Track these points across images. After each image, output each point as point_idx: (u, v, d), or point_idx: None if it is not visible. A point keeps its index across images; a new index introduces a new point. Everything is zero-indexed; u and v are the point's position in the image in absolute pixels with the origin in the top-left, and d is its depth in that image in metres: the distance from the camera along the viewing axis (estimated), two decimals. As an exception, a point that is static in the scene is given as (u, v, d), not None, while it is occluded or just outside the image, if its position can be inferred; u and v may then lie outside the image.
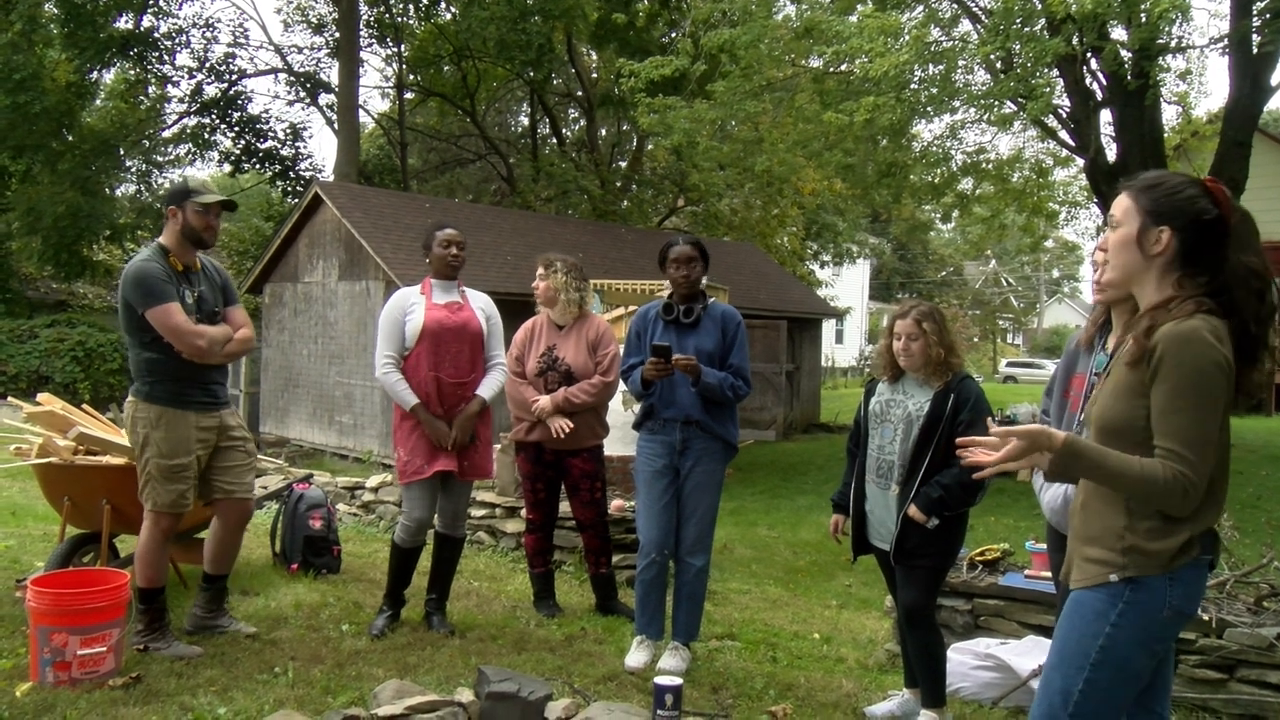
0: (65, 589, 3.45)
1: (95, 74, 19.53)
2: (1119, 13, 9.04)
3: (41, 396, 4.47)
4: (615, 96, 19.21)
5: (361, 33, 21.22)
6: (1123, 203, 2.07)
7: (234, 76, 21.91)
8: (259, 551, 5.63)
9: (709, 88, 13.06)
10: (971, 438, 2.14)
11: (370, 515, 7.24)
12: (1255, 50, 10.98)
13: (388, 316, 4.20)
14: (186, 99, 21.64)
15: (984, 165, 14.18)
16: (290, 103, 24.24)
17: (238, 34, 24.35)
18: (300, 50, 24.97)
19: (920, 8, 11.85)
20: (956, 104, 11.35)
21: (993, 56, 10.46)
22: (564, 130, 26.08)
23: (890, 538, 3.39)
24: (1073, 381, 3.04)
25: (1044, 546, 3.65)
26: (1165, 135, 12.91)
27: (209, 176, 28.10)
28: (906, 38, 10.31)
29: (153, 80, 20.90)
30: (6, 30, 15.99)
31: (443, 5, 21.63)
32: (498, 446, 5.64)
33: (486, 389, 4.27)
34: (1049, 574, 3.75)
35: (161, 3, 19.56)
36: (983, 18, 11.50)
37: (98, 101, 21.49)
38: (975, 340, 43.22)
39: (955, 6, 12.09)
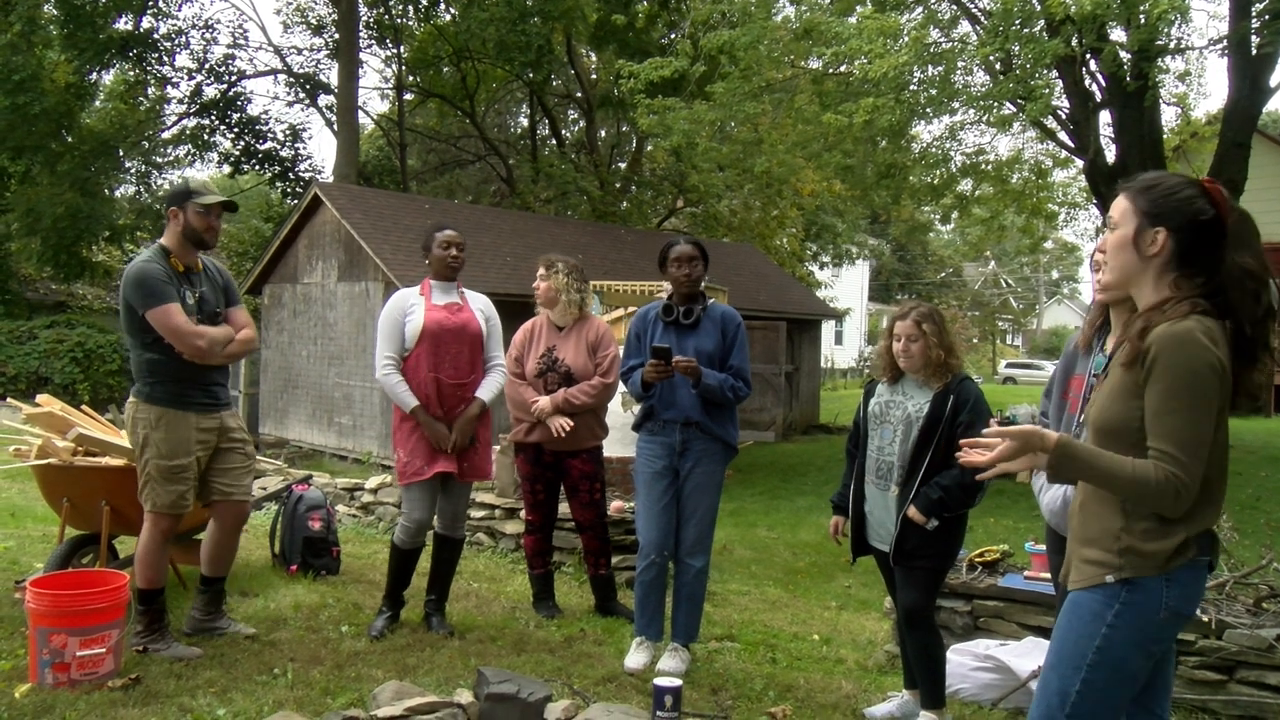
0: (64, 590, 3.45)
1: (95, 75, 19.52)
2: (1118, 14, 9.04)
3: (41, 398, 4.47)
4: (615, 98, 19.22)
5: (361, 34, 21.23)
6: (1120, 204, 2.08)
7: (233, 78, 21.92)
8: (258, 553, 5.63)
9: (708, 89, 13.07)
10: (970, 439, 2.15)
11: (369, 516, 7.24)
12: (1254, 51, 10.99)
13: (387, 318, 4.20)
14: (186, 100, 21.66)
15: (983, 166, 14.20)
16: (290, 104, 24.28)
17: (237, 35, 24.47)
18: (300, 51, 25.00)
19: (919, 9, 11.85)
20: (956, 105, 11.36)
21: (992, 58, 10.46)
22: (563, 131, 26.09)
23: (890, 539, 3.39)
24: (1071, 383, 3.04)
25: (1043, 548, 3.65)
26: (1164, 136, 12.92)
27: (208, 177, 28.08)
28: (906, 39, 10.32)
29: (152, 81, 20.90)
30: (6, 31, 15.98)
31: (442, 6, 21.65)
32: (497, 448, 5.64)
33: (486, 391, 4.27)
34: (1048, 575, 3.75)
35: (161, 4, 19.58)
36: (982, 19, 11.51)
37: (97, 103, 21.49)
38: (974, 341, 43.23)
39: (954, 8, 12.10)
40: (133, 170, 21.41)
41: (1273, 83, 11.48)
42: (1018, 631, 4.13)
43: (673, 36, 18.64)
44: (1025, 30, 9.94)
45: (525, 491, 4.82)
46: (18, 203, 18.12)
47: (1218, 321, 1.96)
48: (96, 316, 19.83)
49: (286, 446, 14.22)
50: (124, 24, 18.81)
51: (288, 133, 22.65)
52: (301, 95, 23.29)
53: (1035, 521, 7.09)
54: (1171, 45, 10.70)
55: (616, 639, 4.30)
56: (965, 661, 3.88)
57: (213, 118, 21.65)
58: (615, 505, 5.64)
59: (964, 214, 15.99)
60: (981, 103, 11.08)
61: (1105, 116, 12.13)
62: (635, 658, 3.93)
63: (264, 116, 22.49)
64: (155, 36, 19.74)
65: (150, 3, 18.96)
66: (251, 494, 4.25)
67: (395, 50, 23.26)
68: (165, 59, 20.29)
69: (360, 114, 22.19)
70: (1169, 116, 13.54)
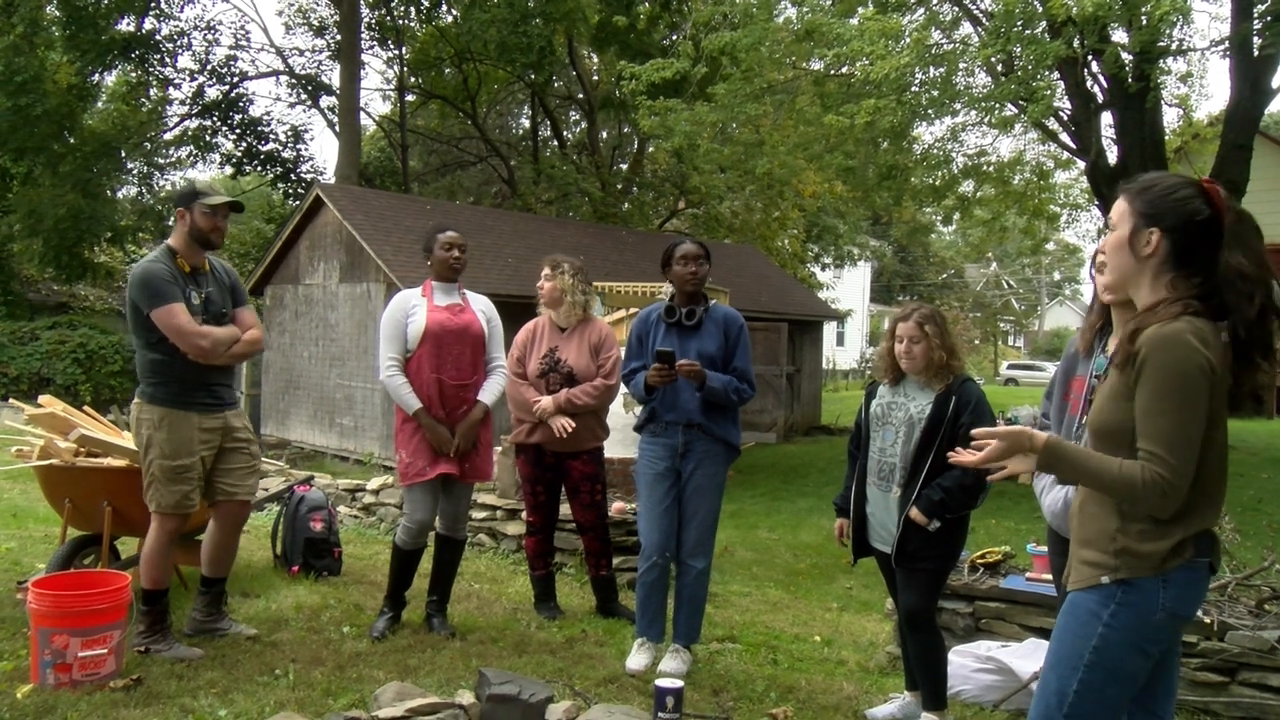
0: (66, 591, 3.45)
1: (97, 76, 19.56)
2: (1120, 15, 9.04)
3: (43, 399, 4.47)
4: (616, 99, 19.22)
5: (363, 35, 21.26)
6: (1119, 205, 2.08)
7: (235, 79, 21.96)
8: (260, 553, 5.63)
9: (710, 90, 13.07)
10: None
11: (371, 517, 7.24)
12: (1256, 53, 10.99)
13: (389, 319, 4.20)
14: (188, 101, 21.71)
15: (985, 168, 14.19)
16: (291, 105, 24.34)
17: (239, 36, 24.50)
18: (301, 53, 25.11)
19: (921, 10, 11.85)
20: (957, 106, 11.36)
21: (994, 59, 10.46)
22: (565, 133, 26.10)
23: (891, 540, 3.38)
24: (1072, 384, 3.03)
25: (1045, 549, 3.65)
26: (1166, 138, 12.92)
27: (210, 178, 28.13)
28: (907, 40, 10.32)
29: (154, 82, 20.94)
30: (8, 33, 16.01)
31: (444, 8, 21.66)
32: (498, 449, 5.64)
33: (488, 394, 4.27)
34: (1050, 577, 3.74)
35: (163, 5, 19.60)
36: (983, 20, 11.51)
37: (99, 104, 21.51)
38: (976, 343, 43.19)
39: (956, 9, 12.10)
40: (134, 171, 21.47)
41: (1274, 84, 11.48)
42: (1019, 633, 4.13)
43: (674, 38, 18.66)
44: (1027, 32, 9.94)
45: (526, 493, 4.82)
46: (20, 204, 18.15)
47: (1211, 323, 1.96)
48: (98, 318, 19.84)
49: (288, 448, 14.23)
50: (126, 25, 18.85)
51: (289, 134, 22.69)
52: (303, 96, 23.33)
53: (1037, 523, 7.09)
54: (1173, 47, 10.70)
55: (618, 640, 4.30)
56: (967, 663, 3.87)
57: (214, 119, 21.68)
58: (616, 506, 5.64)
59: (965, 215, 15.98)
60: (983, 104, 11.08)
61: (1107, 118, 12.14)
62: (637, 659, 3.93)
63: (266, 118, 22.55)
64: (157, 38, 19.76)
65: (152, 4, 18.99)
66: (255, 494, 4.26)
67: (397, 51, 23.29)
68: (167, 60, 20.33)
69: (362, 115, 22.24)
70: (1171, 118, 13.56)
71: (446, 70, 23.00)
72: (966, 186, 14.78)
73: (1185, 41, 11.25)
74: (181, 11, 20.40)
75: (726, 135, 14.78)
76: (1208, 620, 3.66)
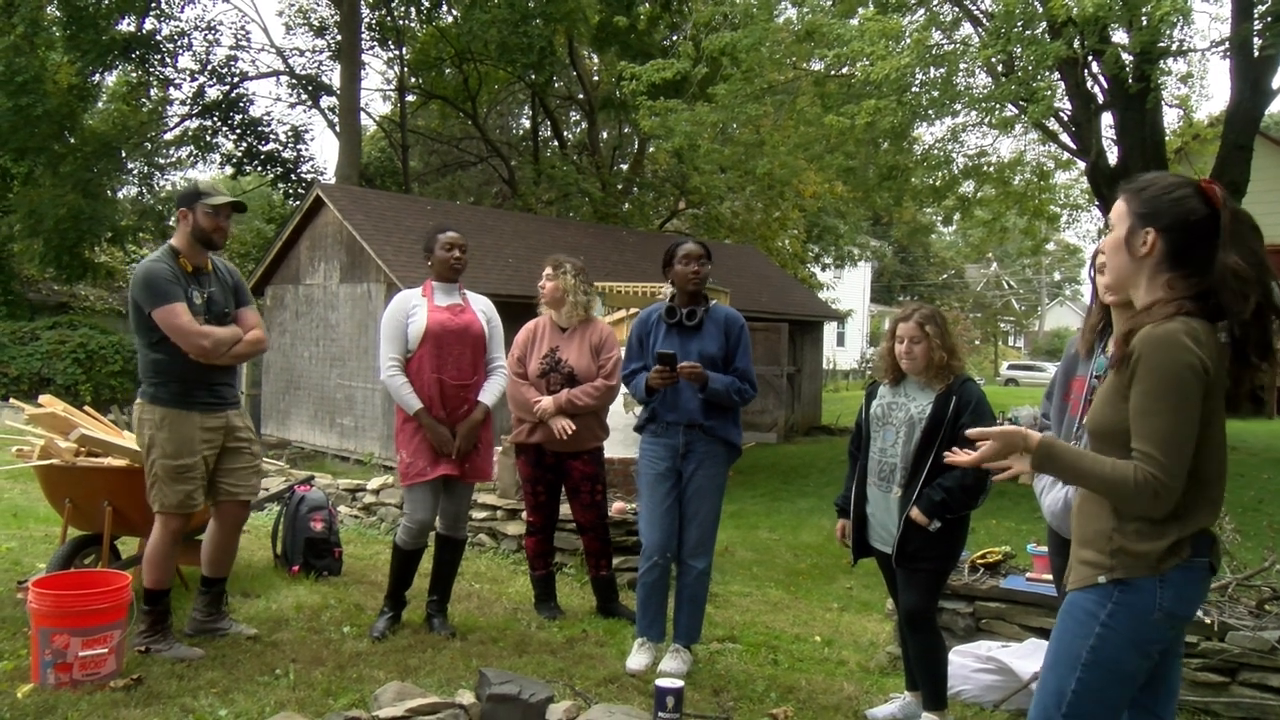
0: (67, 590, 3.45)
1: (97, 76, 19.57)
2: (1120, 16, 9.04)
3: (43, 398, 4.47)
4: (616, 99, 19.22)
5: (363, 35, 21.27)
6: (1118, 206, 2.09)
7: (236, 79, 21.97)
8: (260, 553, 5.63)
9: (710, 91, 13.07)
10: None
11: (371, 517, 7.24)
12: (1256, 54, 10.98)
13: (390, 319, 4.21)
14: (188, 101, 21.72)
15: (985, 168, 14.19)
16: (292, 105, 24.33)
17: (239, 36, 24.46)
18: (302, 53, 25.12)
19: (921, 11, 11.85)
20: (958, 107, 11.36)
21: (994, 59, 10.46)
22: (565, 133, 26.11)
23: (892, 540, 3.38)
24: (1073, 385, 3.03)
25: (1045, 550, 3.65)
26: (1167, 138, 12.91)
27: (211, 179, 28.14)
28: (908, 41, 10.32)
29: (154, 83, 20.95)
30: (9, 33, 16.01)
31: (444, 8, 21.67)
32: (498, 449, 5.64)
33: (489, 395, 4.27)
34: (1050, 577, 3.75)
35: (163, 5, 19.60)
36: (984, 21, 11.51)
37: (99, 104, 21.53)
38: (976, 343, 43.20)
39: (956, 10, 12.09)
40: (135, 171, 21.47)
41: (1275, 85, 11.46)
42: (1019, 633, 4.13)
43: (675, 38, 18.66)
44: (1027, 32, 9.94)
45: (526, 493, 4.82)
46: (20, 204, 18.16)
47: (1206, 323, 1.95)
48: (99, 318, 19.85)
49: (288, 448, 14.23)
50: (127, 25, 18.86)
51: (290, 134, 22.71)
52: (304, 97, 23.33)
53: (1037, 523, 7.09)
54: (1173, 47, 10.69)
55: (618, 640, 4.30)
56: (967, 663, 3.87)
57: (215, 119, 21.69)
58: (616, 506, 5.64)
59: (966, 216, 15.98)
60: (983, 104, 11.08)
61: (1107, 118, 12.13)
62: (637, 659, 3.93)
63: (266, 118, 22.58)
64: (158, 38, 19.78)
65: (153, 4, 19.00)
66: (257, 494, 4.26)
67: (397, 52, 23.30)
68: (168, 60, 20.35)
69: (362, 115, 22.26)
70: (1171, 118, 13.54)
71: (447, 70, 23.00)
72: (967, 187, 14.78)
73: (1185, 42, 11.25)
74: (182, 12, 20.46)
75: (727, 136, 14.78)
76: (1208, 621, 3.66)
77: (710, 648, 4.41)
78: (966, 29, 12.27)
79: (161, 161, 22.13)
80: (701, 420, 3.93)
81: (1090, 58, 10.91)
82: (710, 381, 3.85)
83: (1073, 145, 12.39)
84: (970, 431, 2.07)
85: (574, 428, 4.43)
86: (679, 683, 3.23)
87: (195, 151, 21.92)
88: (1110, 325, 2.86)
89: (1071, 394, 3.02)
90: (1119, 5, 8.72)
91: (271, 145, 22.23)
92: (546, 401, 4.48)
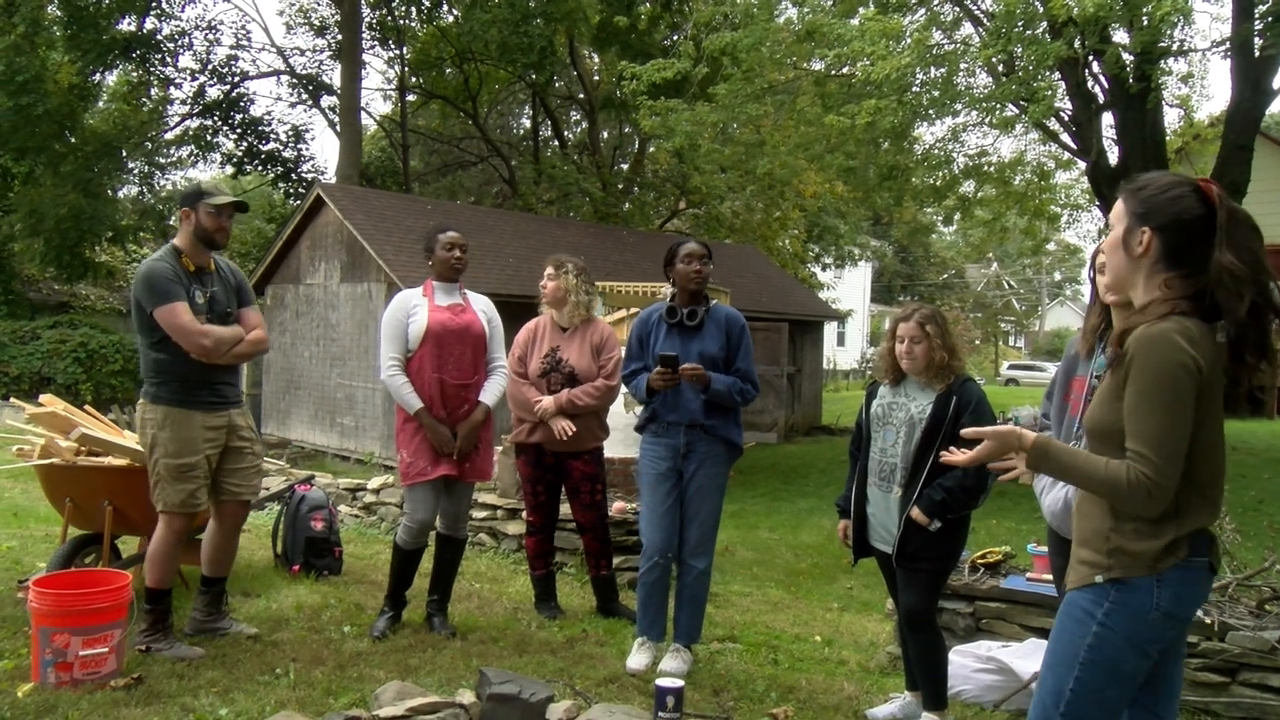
0: (67, 590, 3.45)
1: (98, 76, 19.56)
2: (1121, 16, 9.04)
3: (44, 398, 4.47)
4: (617, 99, 19.22)
5: (364, 35, 21.25)
6: (1117, 206, 2.09)
7: (236, 79, 21.97)
8: (260, 553, 5.63)
9: (711, 90, 13.07)
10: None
11: (372, 517, 7.25)
12: (1257, 54, 10.97)
13: (391, 319, 4.21)
14: (189, 101, 21.72)
15: (986, 168, 14.19)
16: (292, 105, 24.37)
17: (240, 36, 24.50)
18: (302, 52, 25.12)
19: (922, 11, 11.84)
20: (958, 107, 11.35)
21: (994, 59, 10.45)
22: (566, 133, 26.10)
23: (892, 540, 3.38)
24: (1073, 385, 3.04)
25: (1045, 549, 3.65)
26: (1167, 138, 12.90)
27: (212, 178, 28.14)
28: (908, 41, 10.32)
29: (155, 82, 20.94)
30: (9, 32, 16.01)
31: (445, 8, 21.67)
32: (499, 449, 5.65)
33: (489, 395, 4.27)
34: (1050, 577, 3.75)
35: (164, 5, 19.60)
36: (984, 21, 11.51)
37: (100, 103, 21.52)
38: (977, 343, 43.17)
39: (957, 9, 12.09)
40: (135, 171, 21.46)
41: (1275, 85, 11.45)
42: (1020, 633, 4.13)
43: (675, 38, 18.65)
44: (1028, 32, 9.94)
45: (526, 492, 4.82)
46: (21, 203, 18.15)
47: (1202, 322, 1.95)
48: (99, 317, 19.85)
49: (289, 447, 14.24)
50: (127, 25, 18.85)
51: (290, 134, 22.70)
52: (304, 96, 23.33)
53: (1037, 523, 7.08)
54: (1174, 47, 10.68)
55: (618, 640, 4.30)
56: (967, 663, 3.87)
57: (215, 118, 21.69)
58: (616, 506, 5.64)
59: (966, 216, 15.97)
60: (984, 104, 11.07)
61: (1108, 118, 12.12)
62: (637, 658, 3.93)
63: (267, 117, 22.56)
64: (158, 37, 19.77)
65: (153, 4, 19.00)
66: (258, 494, 4.26)
67: (398, 51, 23.29)
68: (168, 60, 20.34)
69: (363, 115, 22.25)
70: (1172, 118, 13.52)
71: (447, 70, 23.00)
72: (967, 187, 14.77)
73: (1186, 42, 11.24)
74: (182, 11, 20.44)
75: (727, 135, 14.78)
76: (1208, 621, 3.66)
77: (710, 647, 4.42)
78: (967, 29, 12.28)
79: (162, 161, 22.14)
80: (702, 420, 3.93)
81: (1091, 58, 10.91)
82: (713, 383, 3.85)
83: (1073, 145, 12.38)
84: (966, 431, 2.08)
85: (574, 428, 4.43)
86: (679, 682, 3.24)
87: (196, 151, 21.92)
88: (1111, 325, 2.87)
89: (1071, 394, 3.02)
90: (1120, 5, 8.72)
91: (272, 145, 22.23)
92: (547, 401, 4.48)
